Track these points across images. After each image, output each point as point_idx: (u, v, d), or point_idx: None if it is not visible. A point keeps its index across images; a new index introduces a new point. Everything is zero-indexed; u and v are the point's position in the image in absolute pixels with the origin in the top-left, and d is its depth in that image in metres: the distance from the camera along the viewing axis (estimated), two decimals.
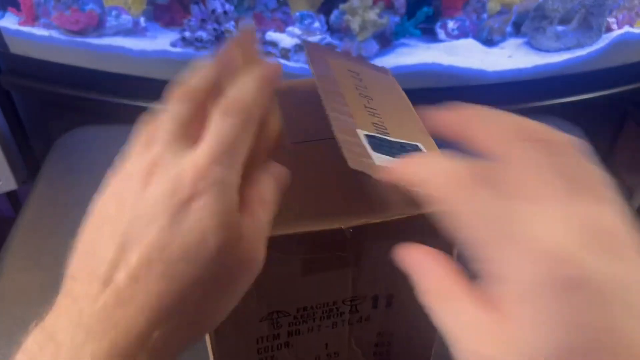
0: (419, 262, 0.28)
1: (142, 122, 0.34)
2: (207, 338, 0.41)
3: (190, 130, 0.31)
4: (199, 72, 0.34)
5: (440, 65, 0.98)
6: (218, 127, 0.30)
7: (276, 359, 0.43)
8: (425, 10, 0.99)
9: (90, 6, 0.94)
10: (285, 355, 0.43)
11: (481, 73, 0.99)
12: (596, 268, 0.21)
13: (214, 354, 0.41)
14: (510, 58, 1.01)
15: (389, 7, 0.98)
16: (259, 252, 0.31)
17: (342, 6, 0.95)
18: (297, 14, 0.96)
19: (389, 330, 0.45)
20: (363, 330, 0.44)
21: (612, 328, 0.21)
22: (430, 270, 0.27)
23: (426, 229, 0.37)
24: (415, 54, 0.99)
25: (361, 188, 0.36)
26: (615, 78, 1.03)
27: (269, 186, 0.33)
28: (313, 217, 0.35)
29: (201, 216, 0.28)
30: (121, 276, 0.28)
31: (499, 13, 1.02)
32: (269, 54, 0.97)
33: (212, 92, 0.33)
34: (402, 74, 1.01)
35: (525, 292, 0.22)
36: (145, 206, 0.29)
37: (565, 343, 0.21)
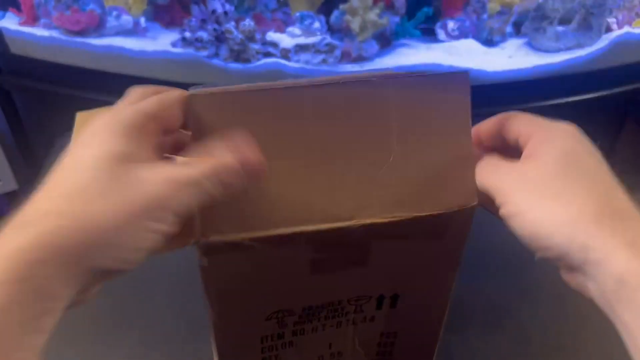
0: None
1: None
2: (212, 336, 0.41)
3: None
4: None
5: (440, 65, 0.98)
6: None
7: (280, 358, 0.43)
8: (426, 10, 0.99)
9: (90, 6, 0.94)
10: (289, 354, 0.43)
11: (481, 73, 0.99)
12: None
13: (217, 352, 0.42)
14: (510, 58, 1.01)
15: (389, 8, 0.98)
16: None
17: (342, 6, 0.95)
18: (297, 14, 0.96)
19: (392, 331, 0.45)
20: (367, 330, 0.44)
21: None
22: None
23: (432, 229, 0.37)
24: (416, 55, 0.99)
25: (370, 187, 0.36)
26: (615, 78, 1.03)
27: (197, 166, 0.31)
28: (321, 215, 0.35)
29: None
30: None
31: (499, 13, 1.02)
32: (269, 54, 0.97)
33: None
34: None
35: (549, 140, 0.34)
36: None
37: (565, 169, 0.33)
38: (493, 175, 0.34)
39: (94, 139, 0.30)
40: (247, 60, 0.97)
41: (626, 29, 1.04)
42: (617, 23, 1.04)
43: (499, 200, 0.33)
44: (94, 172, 0.28)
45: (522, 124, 0.36)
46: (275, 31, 0.97)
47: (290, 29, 0.96)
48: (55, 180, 0.29)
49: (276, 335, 0.41)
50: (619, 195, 0.32)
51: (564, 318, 0.61)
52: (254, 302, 0.39)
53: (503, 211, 0.33)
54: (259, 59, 0.97)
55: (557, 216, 0.30)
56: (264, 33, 0.96)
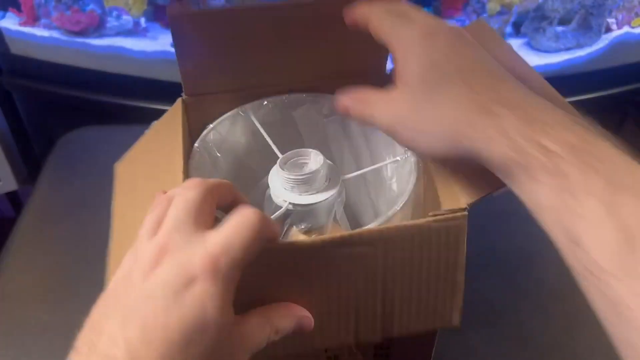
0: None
1: (154, 202, 0.34)
2: None
3: (200, 217, 0.32)
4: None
5: None
6: (237, 220, 0.31)
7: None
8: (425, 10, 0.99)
9: (90, 7, 0.94)
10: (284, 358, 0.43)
11: None
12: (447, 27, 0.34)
13: None
14: None
15: None
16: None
17: None
18: None
19: (387, 346, 0.45)
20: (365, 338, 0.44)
21: (464, 58, 0.32)
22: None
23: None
24: None
25: None
26: (615, 78, 1.03)
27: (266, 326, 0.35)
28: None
29: (203, 299, 0.29)
30: (120, 353, 0.28)
31: (499, 13, 1.02)
32: None
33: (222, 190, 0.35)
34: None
35: (406, 50, 0.34)
36: (151, 286, 0.29)
37: (429, 71, 0.32)
38: (369, 112, 0.35)
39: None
40: None
41: (626, 29, 1.04)
42: (617, 23, 1.04)
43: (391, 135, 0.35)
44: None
45: (382, 32, 0.35)
46: None
47: None
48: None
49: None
50: (501, 87, 0.32)
51: (564, 318, 0.61)
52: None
53: (399, 142, 0.36)
54: None
55: (444, 124, 0.32)
56: None
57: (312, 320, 0.38)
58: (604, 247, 0.25)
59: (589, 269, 0.26)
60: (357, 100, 0.36)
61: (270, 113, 0.50)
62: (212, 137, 0.48)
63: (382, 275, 0.38)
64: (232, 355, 0.32)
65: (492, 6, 1.01)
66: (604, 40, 1.03)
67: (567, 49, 1.02)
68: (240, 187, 0.48)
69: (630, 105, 1.09)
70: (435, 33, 0.33)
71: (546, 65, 1.01)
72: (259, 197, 0.47)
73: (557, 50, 1.02)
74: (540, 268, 0.67)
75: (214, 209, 0.34)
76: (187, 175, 0.44)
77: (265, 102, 0.49)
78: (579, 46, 1.02)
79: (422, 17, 0.35)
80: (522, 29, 1.03)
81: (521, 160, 0.28)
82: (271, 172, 0.44)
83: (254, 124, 0.48)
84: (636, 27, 1.03)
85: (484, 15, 1.01)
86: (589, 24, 1.00)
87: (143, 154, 0.50)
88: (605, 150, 0.28)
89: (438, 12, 1.01)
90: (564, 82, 1.02)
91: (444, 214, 0.37)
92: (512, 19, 1.02)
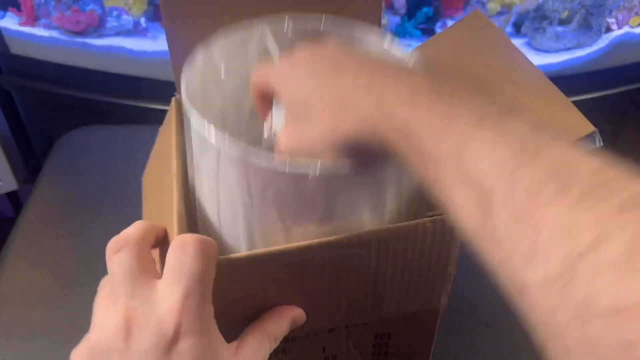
0: None
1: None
2: None
3: (143, 271, 0.32)
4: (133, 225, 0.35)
5: None
6: (180, 261, 0.31)
7: None
8: (425, 10, 0.99)
9: (90, 6, 0.94)
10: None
11: None
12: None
13: None
14: None
15: (389, 8, 0.98)
16: None
17: None
18: None
19: (386, 332, 0.45)
20: (360, 332, 0.44)
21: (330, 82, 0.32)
22: None
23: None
24: None
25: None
26: (615, 78, 1.03)
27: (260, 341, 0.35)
28: None
29: (192, 355, 0.29)
30: None
31: (499, 13, 1.02)
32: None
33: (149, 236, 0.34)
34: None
35: (276, 86, 0.36)
36: None
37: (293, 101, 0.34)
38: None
39: None
40: None
41: (626, 29, 1.04)
42: (617, 23, 1.04)
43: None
44: None
45: (263, 88, 0.38)
46: None
47: None
48: None
49: None
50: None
51: None
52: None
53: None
54: None
55: (312, 139, 0.33)
56: None
57: (304, 313, 0.38)
58: (465, 214, 0.25)
59: (465, 233, 0.26)
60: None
61: (289, 37, 0.44)
62: (217, 50, 0.43)
63: (375, 269, 0.38)
64: None
65: (493, 6, 1.01)
66: (604, 40, 1.03)
67: (568, 49, 1.02)
68: (240, 116, 0.46)
69: (630, 105, 1.09)
70: (293, 62, 0.35)
71: (546, 65, 1.01)
72: (258, 131, 0.43)
73: (558, 51, 1.02)
74: None
75: (150, 254, 0.33)
76: (179, 134, 0.43)
77: (287, 23, 0.44)
78: (579, 46, 1.02)
79: (283, 58, 0.37)
80: (523, 29, 1.03)
81: (387, 140, 0.29)
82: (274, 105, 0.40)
83: (269, 45, 0.44)
84: (635, 26, 1.03)
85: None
86: (589, 24, 1.00)
87: (153, 162, 0.50)
88: (455, 109, 0.27)
89: (438, 12, 1.01)
90: (564, 82, 1.02)
91: (440, 214, 0.37)
92: (512, 19, 1.02)
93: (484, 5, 1.00)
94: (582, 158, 0.23)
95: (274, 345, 0.35)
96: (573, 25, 1.00)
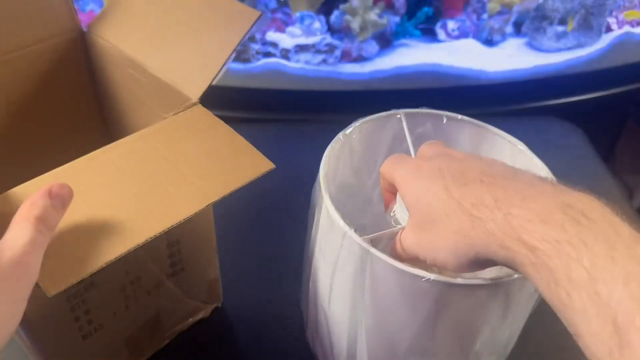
0: None
1: None
2: None
3: None
4: None
5: (440, 65, 0.98)
6: None
7: (86, 301, 0.43)
8: (426, 10, 0.99)
9: (90, 6, 0.94)
10: (94, 295, 0.43)
11: (481, 73, 0.99)
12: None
13: (25, 310, 0.40)
14: (510, 58, 1.01)
15: (389, 8, 0.98)
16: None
17: (342, 6, 0.95)
18: (298, 14, 0.96)
19: (176, 239, 0.47)
20: (153, 245, 0.43)
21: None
22: None
23: None
24: (416, 54, 0.99)
25: None
26: (615, 78, 1.03)
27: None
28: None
29: None
30: None
31: (499, 13, 1.02)
32: (269, 54, 0.97)
33: None
34: (402, 74, 1.01)
35: (401, 188, 0.38)
36: None
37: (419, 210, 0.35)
38: (398, 249, 0.39)
39: None
40: (247, 60, 0.97)
41: (626, 29, 1.04)
42: (617, 23, 1.04)
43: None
44: None
45: (386, 175, 0.40)
46: (275, 31, 0.97)
47: (290, 29, 0.96)
48: None
49: None
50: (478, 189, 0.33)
51: None
52: None
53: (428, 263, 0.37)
54: (259, 59, 0.97)
55: (448, 252, 0.34)
56: (264, 33, 0.96)
57: (68, 186, 0.33)
58: (597, 342, 0.25)
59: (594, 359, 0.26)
60: (392, 250, 0.39)
61: (422, 124, 0.48)
62: (355, 133, 0.47)
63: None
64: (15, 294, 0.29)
65: (493, 6, 1.01)
66: (605, 40, 1.03)
67: (568, 49, 1.02)
68: (369, 189, 0.50)
69: (631, 105, 1.09)
70: (421, 166, 0.37)
71: (546, 65, 1.01)
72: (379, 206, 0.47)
73: (558, 50, 1.02)
74: None
75: None
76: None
77: (421, 111, 0.48)
78: (580, 46, 1.02)
79: (411, 159, 0.39)
80: (523, 29, 1.03)
81: (514, 257, 0.29)
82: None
83: (402, 129, 0.47)
84: (630, 20, 1.03)
85: (484, 15, 1.01)
86: (589, 23, 1.00)
87: None
88: (587, 235, 0.27)
89: (439, 12, 1.01)
90: (564, 82, 1.02)
91: None
92: (512, 19, 1.02)
93: (484, 5, 1.00)
94: None
95: (47, 232, 0.31)
96: (573, 25, 1.00)
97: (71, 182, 0.34)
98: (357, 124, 0.47)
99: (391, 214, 0.42)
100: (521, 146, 0.44)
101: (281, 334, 0.55)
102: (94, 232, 0.33)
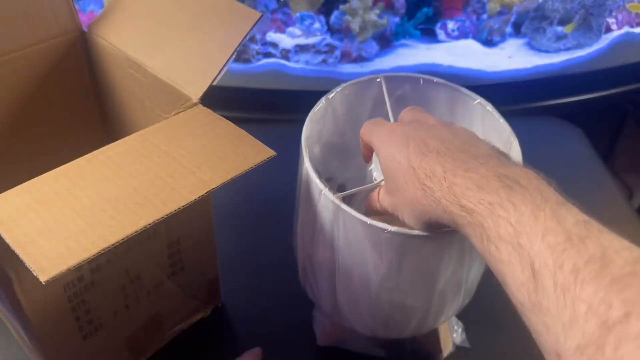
0: None
1: None
2: (20, 296, 0.39)
3: None
4: None
5: (440, 65, 0.98)
6: None
7: (87, 301, 0.43)
8: (425, 10, 0.99)
9: (90, 7, 0.94)
10: (94, 295, 0.43)
11: (481, 73, 0.99)
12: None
13: (27, 311, 0.41)
14: (510, 58, 1.01)
15: (389, 8, 0.98)
16: None
17: (342, 7, 0.95)
18: (298, 14, 0.96)
19: (176, 238, 0.47)
20: (154, 245, 0.46)
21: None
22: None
23: None
24: (415, 55, 0.99)
25: None
26: (615, 78, 1.03)
27: None
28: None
29: None
30: None
31: (499, 14, 1.02)
32: (269, 54, 0.97)
33: None
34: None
35: (377, 148, 0.41)
36: None
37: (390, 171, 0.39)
38: (375, 206, 0.44)
39: None
40: (248, 61, 0.97)
41: (626, 29, 1.04)
42: (617, 23, 1.04)
43: None
44: None
45: (364, 137, 0.44)
46: (276, 31, 0.97)
47: (290, 29, 0.96)
48: None
49: (76, 279, 0.41)
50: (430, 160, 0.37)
51: None
52: None
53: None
54: (259, 59, 0.97)
55: (409, 215, 0.39)
56: (264, 33, 0.96)
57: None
58: (519, 286, 0.30)
59: (517, 304, 0.31)
60: (367, 204, 0.44)
61: (401, 86, 0.52)
62: (338, 97, 0.50)
63: None
64: None
65: (492, 6, 1.01)
66: (604, 40, 1.03)
67: (568, 49, 1.02)
68: (353, 148, 0.52)
69: (630, 105, 1.09)
70: (393, 132, 0.40)
71: (546, 65, 1.01)
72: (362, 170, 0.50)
73: (557, 51, 1.02)
74: None
75: None
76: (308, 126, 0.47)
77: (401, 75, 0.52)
78: (579, 46, 1.02)
79: (386, 124, 0.43)
80: (522, 29, 1.03)
81: (456, 220, 0.34)
82: None
83: (383, 92, 0.50)
84: (635, 12, 1.03)
85: (484, 15, 1.01)
86: (589, 23, 1.00)
87: None
88: (516, 198, 0.31)
89: (438, 13, 1.01)
90: (564, 82, 1.02)
91: None
92: (512, 19, 1.02)
93: (484, 5, 1.00)
94: (623, 249, 0.27)
95: None
96: (573, 27, 1.00)
97: (70, 178, 0.35)
98: (338, 88, 0.50)
99: (369, 170, 0.47)
100: (489, 107, 0.49)
101: (281, 334, 0.56)
102: (93, 223, 0.33)
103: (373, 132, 0.43)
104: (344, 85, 0.50)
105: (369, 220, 0.39)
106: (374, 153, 0.45)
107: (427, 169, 0.36)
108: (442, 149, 0.37)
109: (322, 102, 0.49)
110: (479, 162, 0.35)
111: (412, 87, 0.52)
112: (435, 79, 0.52)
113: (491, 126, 0.48)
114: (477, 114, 0.50)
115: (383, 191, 0.42)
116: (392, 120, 0.48)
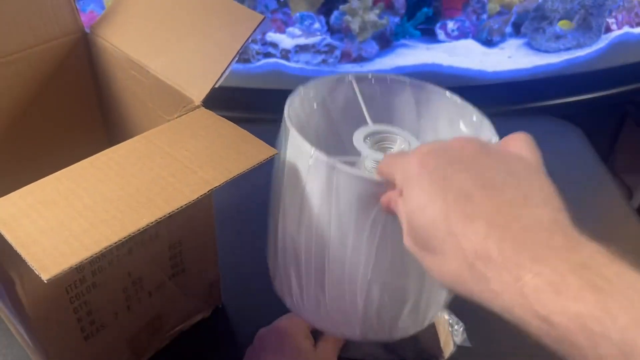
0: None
1: None
2: (22, 297, 0.39)
3: None
4: None
5: (440, 65, 0.98)
6: None
7: (89, 302, 0.43)
8: (425, 11, 0.99)
9: (91, 7, 0.94)
10: (96, 297, 0.43)
11: (481, 73, 0.99)
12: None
13: (28, 311, 0.41)
14: (510, 58, 1.01)
15: (389, 8, 0.98)
16: None
17: (342, 7, 0.95)
18: (297, 14, 0.96)
19: (177, 240, 0.47)
20: (156, 247, 0.46)
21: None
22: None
23: None
24: (415, 55, 0.99)
25: None
26: (615, 78, 1.03)
27: None
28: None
29: None
30: None
31: (499, 14, 1.02)
32: (269, 54, 0.97)
33: None
34: (402, 75, 1.01)
35: (406, 186, 0.32)
36: None
37: (425, 219, 0.30)
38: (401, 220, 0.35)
39: None
40: (248, 61, 0.97)
41: (626, 29, 1.04)
42: (617, 23, 1.04)
43: None
44: None
45: (385, 170, 0.36)
46: (275, 32, 0.97)
47: (290, 29, 0.97)
48: None
49: (78, 281, 0.41)
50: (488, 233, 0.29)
51: None
52: None
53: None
54: (259, 60, 0.97)
55: (446, 277, 0.31)
56: (264, 33, 0.96)
57: None
58: None
59: None
60: (391, 201, 0.36)
61: (371, 86, 0.50)
62: (311, 93, 0.49)
63: None
64: None
65: (492, 6, 1.01)
66: (604, 40, 1.03)
67: (567, 49, 1.02)
68: (329, 145, 0.50)
69: (630, 105, 1.09)
70: (424, 167, 0.32)
71: (546, 66, 1.01)
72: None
73: (557, 51, 1.02)
74: None
75: None
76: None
77: (370, 77, 0.50)
78: (579, 46, 1.03)
79: (409, 158, 0.33)
80: (522, 29, 1.03)
81: (525, 326, 0.27)
82: (356, 135, 0.45)
83: (354, 91, 0.49)
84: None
85: (484, 15, 1.01)
86: (589, 24, 1.01)
87: None
88: (608, 302, 0.25)
89: (438, 13, 1.01)
90: (564, 82, 1.02)
91: None
92: (512, 19, 1.03)
93: (484, 5, 1.00)
94: None
95: None
96: (572, 27, 1.00)
97: (73, 180, 0.35)
98: (311, 83, 0.49)
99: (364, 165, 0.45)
100: (457, 99, 0.48)
101: None
102: (95, 223, 0.33)
103: (397, 166, 0.34)
104: (315, 81, 0.49)
105: (366, 175, 0.37)
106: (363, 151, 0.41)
107: (477, 244, 0.28)
108: (491, 213, 0.28)
109: (300, 89, 0.47)
110: (542, 239, 0.27)
111: (381, 87, 0.51)
112: (402, 78, 0.51)
113: (459, 114, 0.48)
114: (449, 109, 0.49)
115: (407, 230, 0.33)
116: (369, 122, 0.46)
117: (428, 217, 0.30)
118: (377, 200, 0.37)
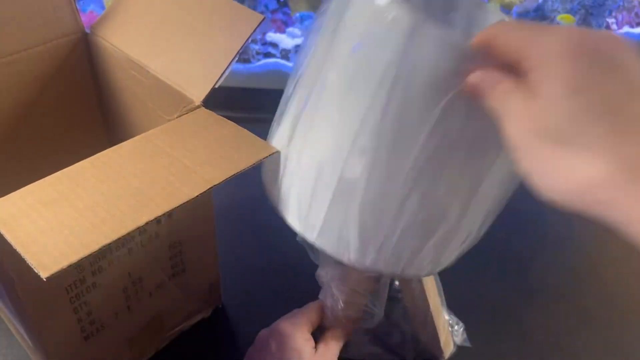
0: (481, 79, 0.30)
1: None
2: (22, 296, 0.39)
3: None
4: None
5: None
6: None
7: (89, 302, 0.43)
8: None
9: (91, 7, 0.94)
10: (96, 296, 0.43)
11: None
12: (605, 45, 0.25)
13: (28, 311, 0.41)
14: None
15: None
16: None
17: None
18: (297, 14, 0.96)
19: (178, 240, 0.47)
20: (156, 247, 0.46)
21: (616, 91, 0.24)
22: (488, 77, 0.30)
23: None
24: None
25: None
26: None
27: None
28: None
29: None
30: None
31: None
32: (269, 54, 0.97)
33: None
34: None
35: (548, 65, 0.26)
36: None
37: (577, 104, 0.25)
38: (501, 106, 0.29)
39: None
40: (248, 61, 0.97)
41: (626, 29, 1.04)
42: (617, 23, 1.04)
43: (514, 154, 0.28)
44: None
45: (511, 43, 0.28)
46: (276, 31, 0.97)
47: (290, 29, 0.97)
48: None
49: (78, 281, 0.41)
50: None
51: (564, 318, 0.61)
52: None
53: (520, 168, 0.28)
54: (259, 59, 0.97)
55: (576, 180, 0.25)
56: (264, 33, 0.96)
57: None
58: None
59: None
60: (491, 85, 0.29)
61: None
62: None
63: None
64: None
65: (492, 6, 1.01)
66: None
67: None
68: None
69: None
70: (583, 45, 0.25)
71: None
72: None
73: None
74: (540, 268, 0.67)
75: None
76: None
77: None
78: None
79: (563, 28, 0.27)
80: None
81: None
82: None
83: None
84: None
85: None
86: (589, 24, 1.01)
87: None
88: None
89: None
90: None
91: None
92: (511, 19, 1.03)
93: None
94: None
95: None
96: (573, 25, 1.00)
97: (73, 180, 0.35)
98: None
99: None
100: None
101: None
102: (94, 221, 0.33)
103: (534, 38, 0.27)
104: None
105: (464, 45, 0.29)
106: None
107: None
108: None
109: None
110: None
111: None
112: None
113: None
114: None
115: (534, 116, 0.26)
116: None
117: (582, 104, 0.24)
118: (459, 80, 0.30)
